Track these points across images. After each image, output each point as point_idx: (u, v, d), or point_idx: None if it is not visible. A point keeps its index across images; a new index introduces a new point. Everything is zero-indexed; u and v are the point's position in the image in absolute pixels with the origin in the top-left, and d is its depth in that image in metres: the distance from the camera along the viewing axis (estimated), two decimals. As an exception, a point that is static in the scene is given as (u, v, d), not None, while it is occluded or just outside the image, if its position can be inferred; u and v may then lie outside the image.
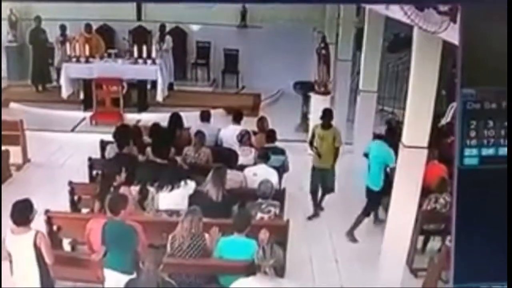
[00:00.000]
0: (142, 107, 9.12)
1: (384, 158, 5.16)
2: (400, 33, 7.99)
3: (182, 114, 6.60)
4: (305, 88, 8.37)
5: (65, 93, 8.94)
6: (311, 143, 5.93)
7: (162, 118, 6.92)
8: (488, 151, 2.39)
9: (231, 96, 10.21)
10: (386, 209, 4.69)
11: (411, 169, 4.07)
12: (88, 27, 9.38)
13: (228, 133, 6.25)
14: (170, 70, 9.88)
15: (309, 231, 5.76)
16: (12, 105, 9.05)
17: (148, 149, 5.61)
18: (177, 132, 6.30)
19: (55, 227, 4.74)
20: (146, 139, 6.03)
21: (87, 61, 8.87)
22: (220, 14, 10.41)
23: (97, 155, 6.14)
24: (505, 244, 2.49)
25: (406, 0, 3.03)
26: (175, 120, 6.42)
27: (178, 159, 5.56)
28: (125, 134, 5.73)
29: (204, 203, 4.48)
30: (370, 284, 4.63)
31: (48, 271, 3.82)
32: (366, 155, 5.54)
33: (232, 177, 5.06)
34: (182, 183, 4.84)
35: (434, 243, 5.21)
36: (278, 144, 6.03)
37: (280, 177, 5.54)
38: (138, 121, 8.33)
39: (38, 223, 4.14)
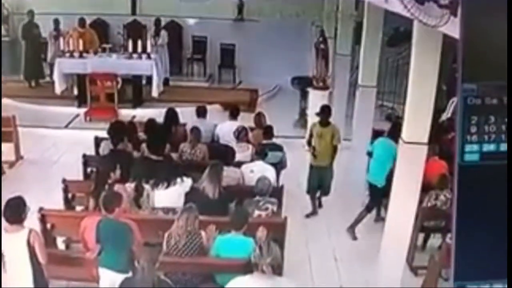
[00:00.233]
0: (137, 102, 9.05)
1: (392, 154, 5.05)
2: (400, 27, 7.96)
3: (177, 110, 6.55)
4: (303, 83, 8.34)
5: (58, 88, 8.86)
6: (309, 142, 5.84)
7: (157, 114, 6.88)
8: (489, 147, 2.36)
9: (227, 92, 10.15)
10: (386, 207, 4.63)
11: (411, 166, 4.03)
12: (82, 21, 9.30)
13: (225, 129, 6.19)
14: (166, 65, 9.82)
15: (308, 229, 5.72)
16: (5, 101, 8.91)
17: (143, 146, 5.58)
18: (173, 128, 6.27)
19: (49, 225, 4.69)
20: (141, 135, 6.00)
21: (81, 56, 8.79)
22: (217, 7, 10.35)
23: (91, 152, 6.09)
24: (505, 240, 2.45)
25: (405, -7, 2.98)
26: (171, 116, 6.37)
27: (174, 155, 5.51)
28: (119, 130, 5.68)
29: (200, 201, 4.44)
30: (369, 282, 4.61)
31: (41, 270, 3.77)
32: (369, 153, 5.47)
33: (229, 174, 5.02)
34: (178, 180, 4.80)
35: (435, 241, 5.18)
36: (275, 140, 5.98)
37: (278, 174, 5.50)
38: (133, 117, 8.26)
39: (32, 221, 4.09)
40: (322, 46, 7.35)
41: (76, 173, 5.75)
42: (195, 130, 5.80)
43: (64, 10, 9.56)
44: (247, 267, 3.27)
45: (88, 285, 4.18)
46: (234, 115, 6.37)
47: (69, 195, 5.26)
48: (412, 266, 4.86)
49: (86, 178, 5.71)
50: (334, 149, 5.68)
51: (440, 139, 5.38)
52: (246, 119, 6.60)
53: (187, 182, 4.84)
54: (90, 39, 9.20)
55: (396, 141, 4.50)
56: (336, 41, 7.69)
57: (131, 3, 10.43)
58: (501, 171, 2.40)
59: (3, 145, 6.73)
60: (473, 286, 2.47)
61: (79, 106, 8.81)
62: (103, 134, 5.87)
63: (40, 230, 4.31)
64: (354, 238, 5.54)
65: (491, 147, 2.36)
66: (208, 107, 6.83)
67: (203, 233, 4.06)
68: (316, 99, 7.12)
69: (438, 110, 5.27)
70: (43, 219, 4.60)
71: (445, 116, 6.62)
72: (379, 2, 4.49)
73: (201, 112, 6.45)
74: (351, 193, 6.04)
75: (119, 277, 3.64)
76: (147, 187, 4.76)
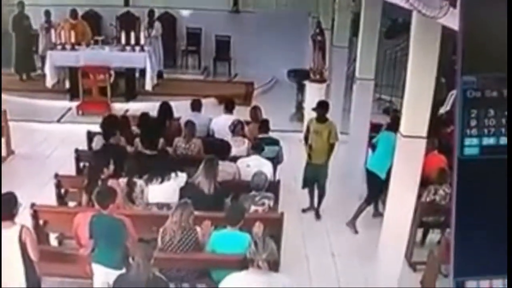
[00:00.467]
0: (131, 96, 8.95)
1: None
2: (398, 18, 7.89)
3: (172, 103, 6.48)
4: (299, 76, 8.27)
5: (49, 81, 8.74)
6: (306, 138, 5.76)
7: (151, 107, 6.80)
8: (489, 141, 2.34)
9: (223, 85, 10.06)
10: (384, 202, 4.60)
11: (409, 160, 3.99)
12: (73, 13, 9.14)
13: (220, 123, 6.14)
14: (159, 58, 9.70)
15: (305, 224, 5.68)
16: (-5, 94, 8.82)
17: (137, 140, 5.53)
18: (167, 122, 6.20)
19: (41, 221, 4.65)
20: (135, 129, 5.94)
21: (72, 49, 8.67)
22: (212, -2, 10.21)
23: (84, 146, 6.02)
24: (506, 236, 2.42)
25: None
26: (165, 110, 6.30)
27: (169, 150, 5.45)
28: (112, 124, 5.64)
29: (195, 196, 4.41)
30: (367, 278, 4.59)
31: (33, 267, 3.72)
32: (373, 146, 5.40)
33: (225, 169, 4.97)
34: (173, 175, 4.76)
35: (434, 236, 5.16)
36: (272, 134, 5.94)
37: (274, 169, 5.47)
38: (126, 110, 8.18)
39: (24, 217, 4.04)
40: (319, 38, 7.28)
41: (68, 168, 5.69)
42: (190, 124, 5.74)
43: (55, 1, 9.39)
44: (243, 263, 3.23)
45: (81, 282, 4.13)
46: (229, 109, 6.32)
47: (62, 191, 5.21)
48: (411, 261, 4.84)
49: (79, 173, 5.65)
50: (331, 147, 5.58)
51: (439, 132, 5.35)
52: (241, 113, 6.54)
53: (182, 177, 4.80)
54: (82, 31, 9.06)
55: (395, 132, 4.45)
56: (333, 33, 7.59)
57: (124, -6, 10.29)
58: (501, 165, 2.39)
59: (-6, 139, 6.66)
60: (473, 282, 2.45)
61: (71, 99, 8.71)
62: (96, 128, 5.82)
63: (32, 227, 4.27)
64: (355, 232, 5.50)
65: (491, 140, 2.34)
66: (203, 100, 6.75)
67: (198, 228, 4.04)
68: (313, 92, 7.05)
69: (437, 103, 5.22)
70: (35, 215, 4.55)
71: (444, 109, 6.59)
72: (377, -7, 4.42)
73: (196, 106, 6.38)
74: (348, 187, 6.01)
75: (113, 274, 3.62)
76: (141, 182, 4.72)
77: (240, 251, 3.65)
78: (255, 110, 6.36)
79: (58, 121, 8.29)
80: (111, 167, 4.60)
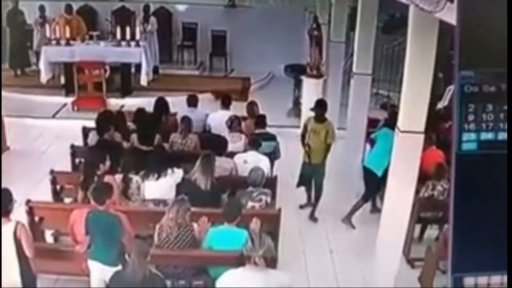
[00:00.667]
0: (126, 91, 8.89)
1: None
2: (395, 13, 7.86)
3: (168, 99, 6.44)
4: (296, 71, 8.25)
5: (44, 77, 8.68)
6: (303, 135, 5.70)
7: (147, 103, 6.73)
8: (487, 136, 2.35)
9: (219, 80, 10.01)
10: (382, 198, 4.58)
11: (407, 155, 3.97)
12: (68, 8, 9.09)
13: (217, 118, 6.11)
14: (155, 53, 9.64)
15: (302, 220, 5.67)
16: (-10, 90, 8.74)
17: (133, 136, 5.50)
18: (163, 118, 6.17)
19: (37, 218, 4.63)
20: (131, 125, 5.90)
21: (67, 44, 8.61)
22: (208, -7, 10.13)
23: (79, 142, 6.00)
24: (504, 232, 2.43)
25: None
26: (161, 105, 6.26)
27: (165, 146, 5.42)
28: (108, 120, 5.62)
29: (192, 192, 4.39)
30: (365, 275, 4.58)
31: (29, 264, 3.70)
32: (372, 141, 5.38)
33: (222, 165, 4.95)
34: (169, 171, 4.74)
35: (432, 232, 5.14)
36: (269, 129, 5.90)
37: (272, 164, 5.45)
38: (122, 106, 8.15)
39: (19, 214, 4.02)
40: (315, 32, 7.26)
41: (64, 164, 5.67)
42: (186, 119, 5.71)
43: (50, -4, 9.29)
44: (240, 260, 3.21)
45: (77, 279, 4.11)
46: (226, 104, 6.29)
47: (58, 187, 5.18)
48: (408, 258, 4.82)
49: (74, 169, 5.64)
50: (328, 147, 5.53)
51: (437, 128, 5.34)
52: (238, 108, 6.51)
53: (178, 173, 4.78)
54: (77, 26, 9.00)
55: (393, 129, 4.43)
56: (330, 28, 7.56)
57: (119, -11, 10.19)
58: (499, 160, 2.39)
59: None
60: (471, 278, 2.45)
61: (67, 95, 8.66)
62: (91, 124, 5.80)
63: (27, 223, 4.26)
64: (352, 227, 5.49)
65: (489, 135, 2.36)
66: (199, 96, 6.71)
67: (195, 225, 4.02)
68: (310, 87, 7.03)
69: (434, 98, 5.21)
70: (31, 212, 4.53)
71: (442, 104, 6.59)
72: (374, -13, 4.39)
73: (192, 101, 6.35)
74: (345, 183, 5.99)
75: (109, 270, 3.61)
76: (137, 178, 4.69)
77: (237, 248, 3.62)
78: (252, 106, 6.33)
79: (53, 116, 8.23)
80: (107, 163, 4.58)
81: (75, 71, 8.37)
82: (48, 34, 8.63)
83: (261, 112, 6.18)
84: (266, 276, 3.04)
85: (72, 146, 5.74)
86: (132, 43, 8.62)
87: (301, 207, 5.91)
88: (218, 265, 3.81)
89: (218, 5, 10.39)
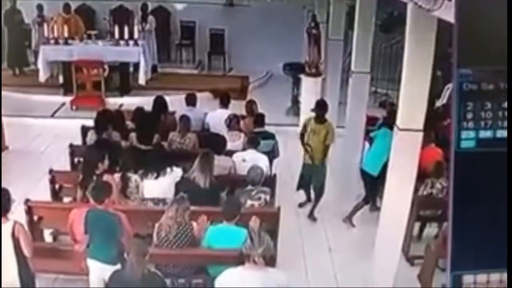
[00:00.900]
0: (125, 90, 8.90)
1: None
2: (393, 11, 7.86)
3: (166, 97, 6.45)
4: (295, 70, 8.24)
5: (42, 76, 8.67)
6: (302, 135, 5.68)
7: (145, 102, 6.74)
8: (485, 134, 2.34)
9: (218, 79, 10.00)
10: (381, 197, 4.58)
11: (406, 153, 3.97)
12: (66, 7, 9.08)
13: (216, 117, 6.10)
14: (153, 52, 9.65)
15: (301, 219, 5.66)
16: (-12, 89, 8.73)
17: (132, 135, 5.50)
18: (162, 116, 6.16)
19: (35, 218, 4.63)
20: (129, 124, 5.90)
21: (66, 43, 8.60)
22: (205, -8, 10.13)
23: (78, 141, 5.98)
24: (504, 230, 2.42)
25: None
26: (159, 104, 6.26)
27: (164, 145, 5.41)
28: (107, 119, 5.60)
29: (191, 191, 4.37)
30: (364, 273, 4.56)
31: (27, 264, 3.69)
32: (370, 140, 5.37)
33: (220, 163, 4.95)
34: (168, 170, 4.73)
35: (431, 230, 5.15)
36: (267, 128, 5.90)
37: (271, 163, 5.43)
38: (121, 105, 8.14)
39: (18, 213, 4.02)
40: (314, 31, 7.26)
41: (63, 164, 5.66)
42: (185, 118, 5.70)
43: (48, -5, 9.28)
44: (240, 259, 3.21)
45: (76, 279, 4.11)
46: (224, 103, 6.28)
47: (56, 186, 5.18)
48: (408, 256, 4.82)
49: (73, 168, 5.63)
50: (326, 147, 5.51)
51: (435, 126, 5.33)
52: (237, 107, 6.51)
53: (177, 172, 4.77)
54: (75, 25, 8.99)
55: (392, 129, 4.44)
56: (328, 26, 7.55)
57: (117, -12, 10.17)
58: (498, 158, 2.38)
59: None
60: (470, 276, 2.44)
61: (65, 94, 8.66)
62: (90, 123, 5.77)
63: (26, 223, 4.25)
64: (353, 225, 5.48)
65: (488, 133, 2.34)
66: (198, 94, 6.70)
67: (194, 224, 4.01)
68: (308, 86, 7.02)
69: (433, 96, 5.21)
70: (29, 211, 4.52)
71: (440, 102, 6.59)
72: (372, -15, 4.39)
73: (191, 100, 6.34)
74: (344, 181, 5.99)
75: (108, 269, 3.60)
76: (136, 177, 4.68)
77: (237, 246, 3.62)
78: (251, 104, 6.32)
79: (52, 116, 8.23)
80: (106, 162, 4.57)
81: (73, 70, 8.36)
82: (46, 33, 8.63)
83: (259, 110, 6.18)
84: (265, 274, 3.05)
85: (71, 145, 5.73)
86: (131, 42, 8.62)
87: (300, 205, 5.91)
88: (217, 264, 3.81)
89: (217, 3, 10.37)
